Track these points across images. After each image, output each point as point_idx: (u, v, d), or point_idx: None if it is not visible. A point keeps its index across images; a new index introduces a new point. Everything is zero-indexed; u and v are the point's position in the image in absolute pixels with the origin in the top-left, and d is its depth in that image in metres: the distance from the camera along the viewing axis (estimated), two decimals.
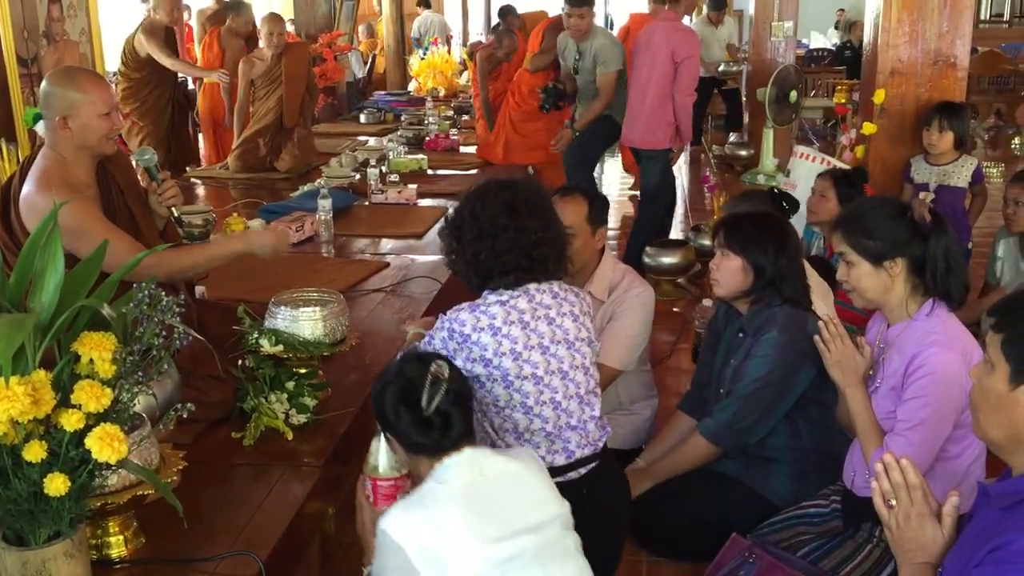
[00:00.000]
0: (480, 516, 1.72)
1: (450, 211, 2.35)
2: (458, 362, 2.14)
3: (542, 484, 1.86)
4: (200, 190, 5.45)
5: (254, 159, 5.71)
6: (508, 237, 2.19)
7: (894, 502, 1.64)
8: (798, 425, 2.70)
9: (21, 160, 4.07)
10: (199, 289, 3.17)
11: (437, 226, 4.53)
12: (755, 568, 2.41)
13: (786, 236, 2.74)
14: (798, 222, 4.55)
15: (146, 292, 1.66)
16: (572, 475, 2.26)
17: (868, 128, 4.47)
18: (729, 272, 2.70)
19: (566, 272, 2.39)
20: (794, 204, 3.59)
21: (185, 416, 1.74)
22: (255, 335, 2.54)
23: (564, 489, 2.15)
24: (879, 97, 4.40)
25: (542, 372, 2.20)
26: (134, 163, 2.95)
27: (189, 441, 2.34)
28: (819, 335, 2.36)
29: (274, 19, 5.75)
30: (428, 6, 12.63)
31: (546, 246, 2.23)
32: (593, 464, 2.30)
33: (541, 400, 2.21)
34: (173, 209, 2.69)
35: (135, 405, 1.69)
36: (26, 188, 2.44)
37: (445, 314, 2.25)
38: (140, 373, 1.63)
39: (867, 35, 4.70)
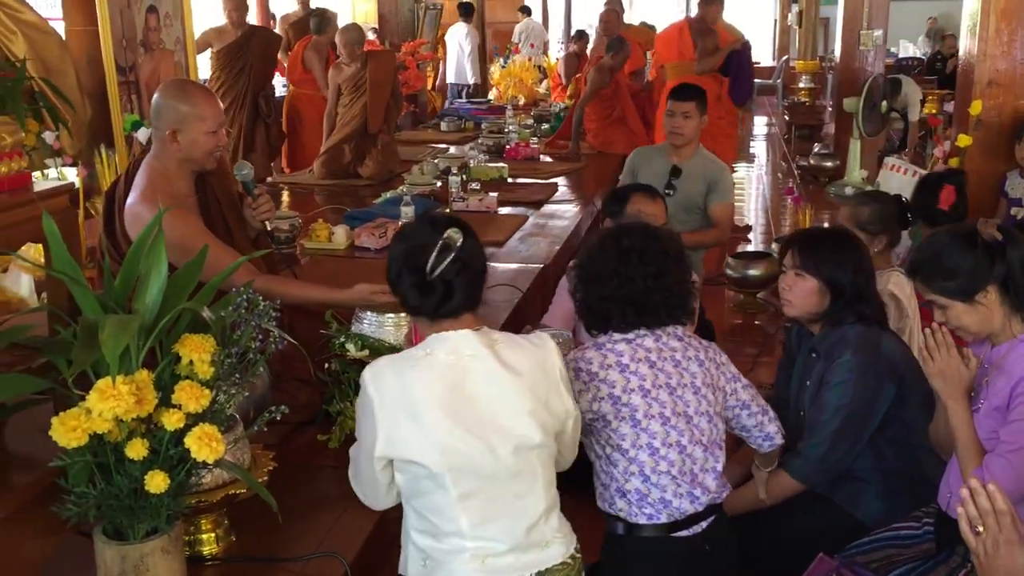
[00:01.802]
0: (447, 397, 1.74)
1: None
2: (583, 403, 2.08)
3: (527, 389, 1.81)
4: (285, 196, 5.57)
5: (338, 165, 5.82)
6: (614, 284, 2.18)
7: (981, 528, 1.59)
8: (881, 446, 2.62)
9: (118, 165, 4.22)
10: None
11: (518, 234, 4.56)
12: None
13: (863, 254, 2.64)
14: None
15: (244, 296, 1.70)
16: (696, 529, 2.18)
17: (963, 140, 4.34)
18: (804, 293, 2.60)
19: (692, 322, 2.36)
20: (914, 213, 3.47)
21: (278, 418, 1.77)
22: (341, 339, 2.58)
23: (686, 544, 2.16)
24: (975, 108, 4.27)
25: (669, 413, 2.15)
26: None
27: (276, 442, 2.39)
28: (925, 342, 2.22)
29: (347, 31, 5.89)
30: (529, 13, 12.70)
31: (658, 294, 2.18)
32: (713, 518, 2.22)
33: (668, 442, 2.14)
34: (266, 222, 2.76)
35: (231, 407, 1.73)
36: (130, 199, 2.51)
37: (569, 354, 2.20)
38: (237, 375, 1.67)
39: (963, 45, 4.57)
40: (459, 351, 1.78)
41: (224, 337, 1.68)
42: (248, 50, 6.41)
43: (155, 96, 2.62)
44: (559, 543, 1.87)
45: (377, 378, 1.76)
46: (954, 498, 2.30)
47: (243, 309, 1.69)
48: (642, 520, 2.16)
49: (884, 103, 5.45)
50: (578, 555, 1.92)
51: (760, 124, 12.85)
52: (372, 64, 5.77)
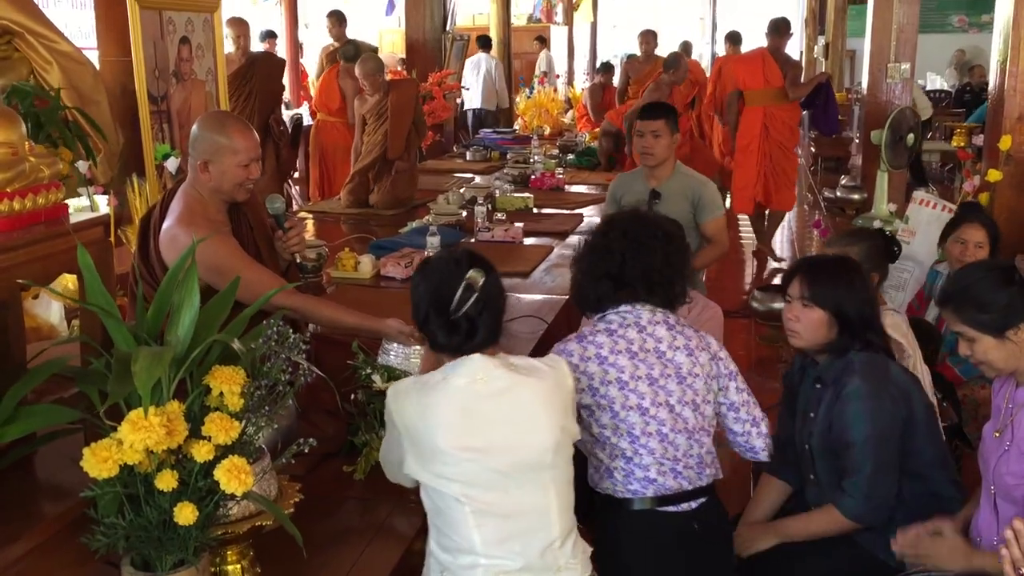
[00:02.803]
0: (464, 419, 1.84)
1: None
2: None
3: (541, 410, 1.91)
4: (311, 224, 5.61)
5: (364, 193, 5.88)
6: (593, 259, 2.34)
7: None
8: (899, 482, 2.57)
9: (149, 194, 4.28)
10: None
11: (543, 265, 4.56)
12: None
13: (865, 281, 2.63)
14: (918, 267, 4.42)
15: (274, 329, 1.71)
16: (684, 506, 2.27)
17: (993, 175, 4.31)
18: (812, 324, 2.55)
19: (682, 302, 2.44)
20: (900, 247, 3.46)
21: (306, 451, 1.78)
22: (368, 370, 2.59)
23: (674, 519, 2.26)
24: (1005, 143, 4.25)
25: (648, 404, 2.24)
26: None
27: (302, 473, 2.38)
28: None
29: (365, 62, 5.96)
30: (544, 43, 12.89)
31: (636, 268, 2.31)
32: (703, 499, 2.31)
33: (647, 431, 2.23)
34: (297, 256, 2.80)
35: (259, 439, 1.74)
36: (167, 223, 2.56)
37: (551, 351, 2.28)
38: (266, 407, 1.68)
39: (992, 79, 4.55)
40: (473, 375, 1.87)
41: (254, 369, 1.69)
42: (253, 75, 6.55)
43: (194, 126, 2.67)
44: (573, 570, 1.91)
45: (397, 401, 1.90)
46: (983, 541, 2.26)
47: (273, 341, 1.70)
48: (628, 495, 2.25)
49: (911, 135, 5.42)
50: None
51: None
52: (394, 93, 5.84)
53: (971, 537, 2.35)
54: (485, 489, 1.84)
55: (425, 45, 8.76)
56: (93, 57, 4.60)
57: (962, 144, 5.64)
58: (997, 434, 2.26)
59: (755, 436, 2.43)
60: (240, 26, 6.66)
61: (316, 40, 11.11)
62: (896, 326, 2.99)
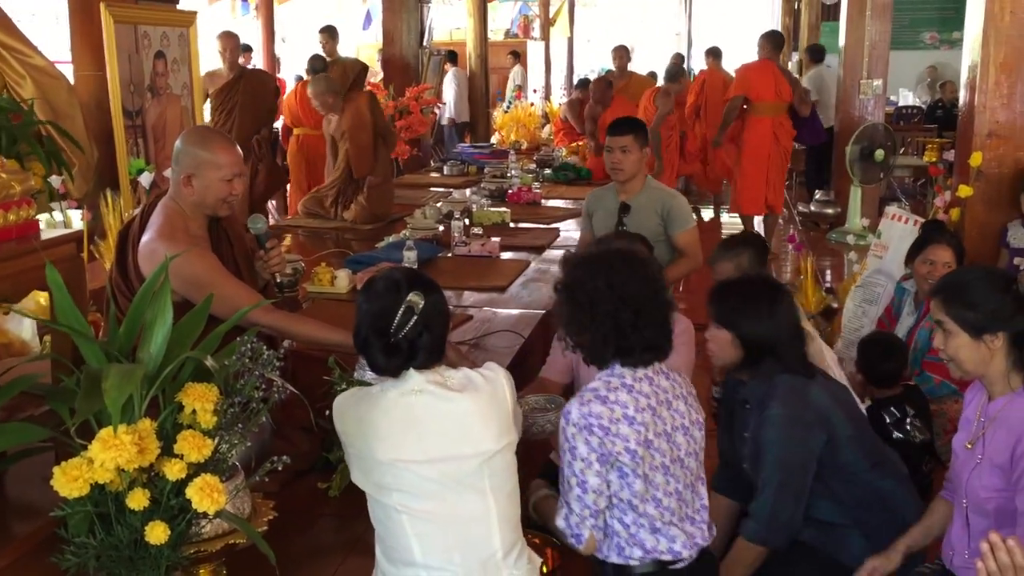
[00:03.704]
0: (400, 431, 1.87)
1: (560, 277, 2.27)
2: (610, 457, 2.05)
3: (477, 421, 1.93)
4: (288, 239, 5.59)
5: (320, 209, 5.91)
6: (650, 311, 2.11)
7: None
8: (836, 490, 2.56)
9: (123, 209, 4.25)
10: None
11: (520, 280, 4.57)
12: None
13: (776, 303, 2.60)
14: (888, 280, 4.46)
15: (248, 345, 1.70)
16: (681, 565, 2.16)
17: (964, 191, 4.37)
18: (720, 344, 2.58)
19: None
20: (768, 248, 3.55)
21: (280, 469, 1.77)
22: (343, 386, 2.57)
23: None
24: (976, 160, 4.30)
25: (668, 461, 2.11)
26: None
27: (276, 490, 2.37)
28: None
29: (312, 84, 5.98)
30: (518, 58, 13.00)
31: (670, 321, 2.19)
32: (702, 549, 2.21)
33: (668, 491, 2.11)
34: (276, 275, 2.80)
35: (232, 456, 1.73)
36: (147, 236, 2.55)
37: (569, 415, 2.08)
38: (239, 425, 1.67)
39: (963, 96, 4.61)
40: (409, 388, 1.90)
41: (227, 386, 1.68)
42: (238, 91, 6.51)
43: (178, 140, 2.68)
44: None
45: (339, 414, 1.94)
46: (956, 555, 2.28)
47: (247, 358, 1.69)
48: (635, 560, 2.13)
49: (879, 151, 5.48)
50: None
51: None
52: (347, 111, 5.83)
53: (944, 552, 2.38)
54: (423, 499, 1.87)
55: (402, 60, 8.78)
56: (68, 72, 4.58)
57: (934, 160, 5.72)
58: (969, 446, 2.28)
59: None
60: (227, 40, 6.64)
61: (293, 54, 11.12)
62: (820, 353, 3.05)
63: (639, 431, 2.06)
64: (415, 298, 1.90)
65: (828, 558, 2.58)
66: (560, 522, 2.11)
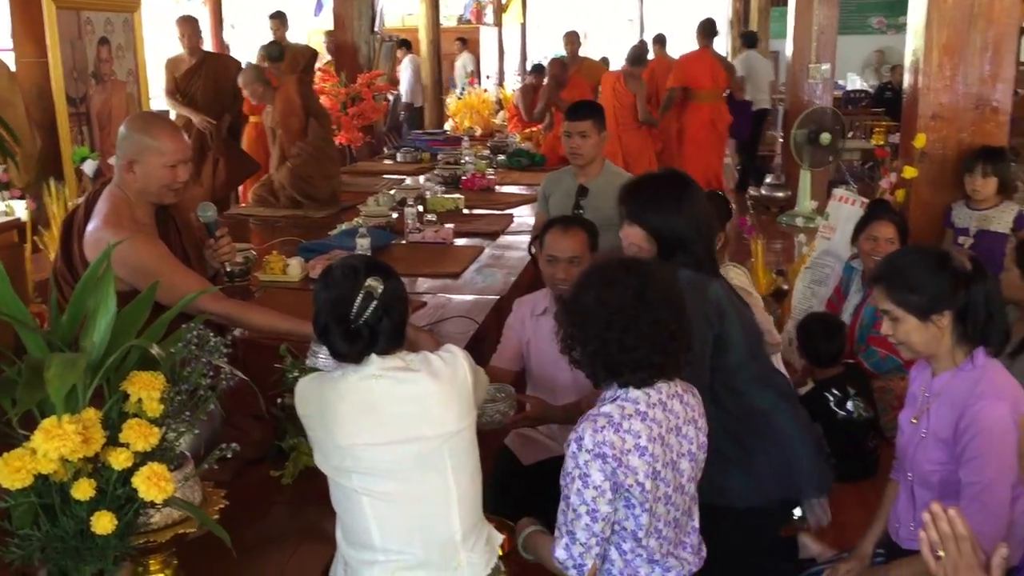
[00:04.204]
0: (361, 415, 1.88)
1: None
2: (622, 487, 1.98)
3: (436, 403, 1.94)
4: (240, 228, 5.52)
5: (271, 196, 5.86)
6: (640, 330, 1.99)
7: (942, 553, 1.61)
8: (716, 392, 2.53)
9: (68, 198, 4.17)
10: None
11: (474, 266, 4.56)
12: None
13: (685, 196, 2.59)
14: (835, 260, 4.54)
15: (194, 332, 1.68)
16: None
17: (909, 172, 4.44)
18: (634, 241, 2.60)
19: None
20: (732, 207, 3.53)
21: (229, 456, 1.75)
22: (296, 373, 2.55)
23: None
24: (920, 141, 4.38)
25: (672, 490, 2.05)
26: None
27: (228, 479, 2.34)
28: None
29: (242, 74, 5.90)
30: (466, 44, 12.97)
31: (678, 340, 2.04)
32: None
33: (668, 520, 2.07)
34: (226, 264, 2.77)
35: (180, 444, 1.71)
36: (92, 224, 2.51)
37: (582, 440, 1.98)
38: (187, 413, 1.65)
39: (907, 79, 4.69)
40: (369, 372, 1.91)
41: (174, 374, 1.66)
42: (199, 77, 6.40)
43: (122, 126, 2.63)
44: (474, 566, 1.96)
45: (300, 398, 1.97)
46: (902, 528, 2.33)
47: (193, 345, 1.67)
48: None
49: (825, 135, 5.55)
50: None
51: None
52: (278, 99, 5.77)
53: (891, 525, 2.43)
54: (383, 480, 1.89)
55: (354, 46, 8.69)
56: (9, 59, 4.48)
57: (881, 143, 5.81)
58: (914, 421, 2.33)
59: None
60: (185, 25, 6.54)
61: (243, 41, 10.95)
62: (738, 277, 3.08)
63: (648, 462, 1.98)
64: (374, 283, 1.90)
65: (709, 507, 2.42)
66: (560, 552, 2.00)
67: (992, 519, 2.08)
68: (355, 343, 1.90)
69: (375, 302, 1.88)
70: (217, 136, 6.53)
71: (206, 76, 6.46)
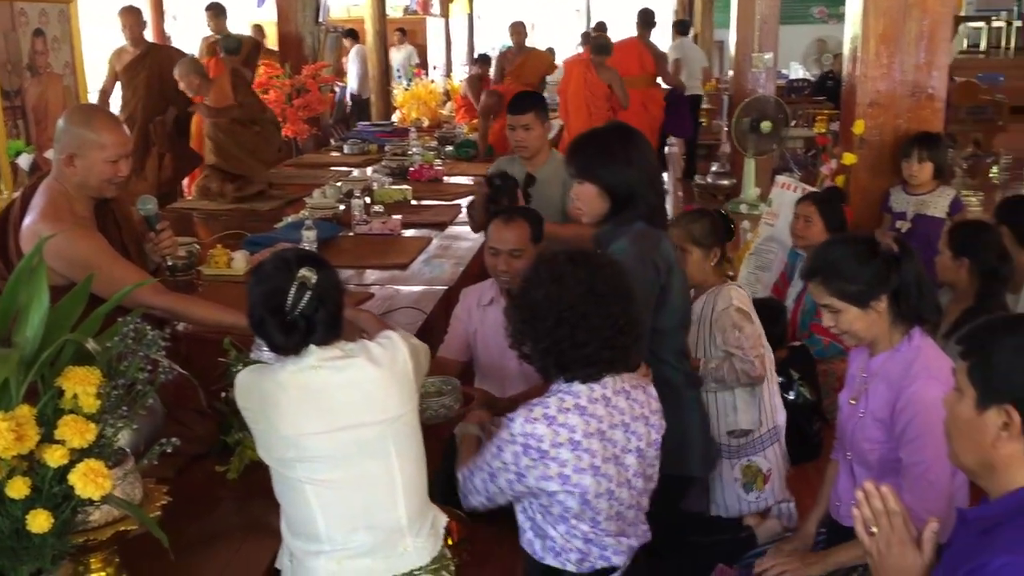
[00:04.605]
0: (302, 404, 1.87)
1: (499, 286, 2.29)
2: (530, 479, 2.02)
3: (377, 389, 1.94)
4: (184, 221, 5.43)
5: (216, 189, 5.80)
6: (591, 326, 1.99)
7: (875, 529, 1.65)
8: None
9: (4, 192, 4.07)
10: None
11: (422, 256, 4.55)
12: None
13: (630, 149, 2.60)
14: (780, 248, 4.61)
15: (131, 326, 1.66)
16: (618, 574, 2.15)
17: (848, 158, 4.53)
18: (587, 199, 2.60)
19: (642, 356, 2.25)
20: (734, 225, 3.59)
21: (170, 451, 1.73)
22: (239, 368, 2.53)
23: None
24: (858, 128, 4.46)
25: (614, 485, 2.05)
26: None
27: (171, 475, 2.33)
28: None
29: (178, 67, 5.80)
30: (405, 34, 12.94)
31: (628, 334, 2.05)
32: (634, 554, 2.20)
33: (610, 514, 2.08)
34: (167, 258, 2.74)
35: (119, 440, 1.68)
36: (29, 218, 2.46)
37: (512, 422, 2.03)
38: (124, 408, 1.63)
39: (845, 68, 4.77)
40: (308, 362, 1.90)
41: (110, 369, 1.63)
42: (142, 69, 6.28)
43: (60, 119, 2.58)
44: (421, 551, 1.96)
45: (241, 389, 1.94)
46: (843, 506, 2.38)
47: (130, 339, 1.65)
48: (572, 566, 2.11)
49: (768, 123, 5.63)
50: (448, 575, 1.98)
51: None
52: (212, 92, 5.71)
53: (832, 504, 2.48)
54: (327, 469, 1.88)
55: (298, 37, 8.60)
56: None
57: (823, 130, 5.90)
58: (853, 401, 2.37)
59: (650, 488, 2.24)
60: (127, 15, 6.41)
61: (186, 33, 10.77)
62: (740, 298, 3.12)
63: (581, 457, 2.00)
64: (307, 273, 1.89)
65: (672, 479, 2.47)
66: (459, 475, 2.15)
67: (936, 496, 2.13)
68: (292, 335, 1.89)
69: (309, 292, 1.87)
70: (162, 130, 6.41)
71: (150, 68, 6.33)
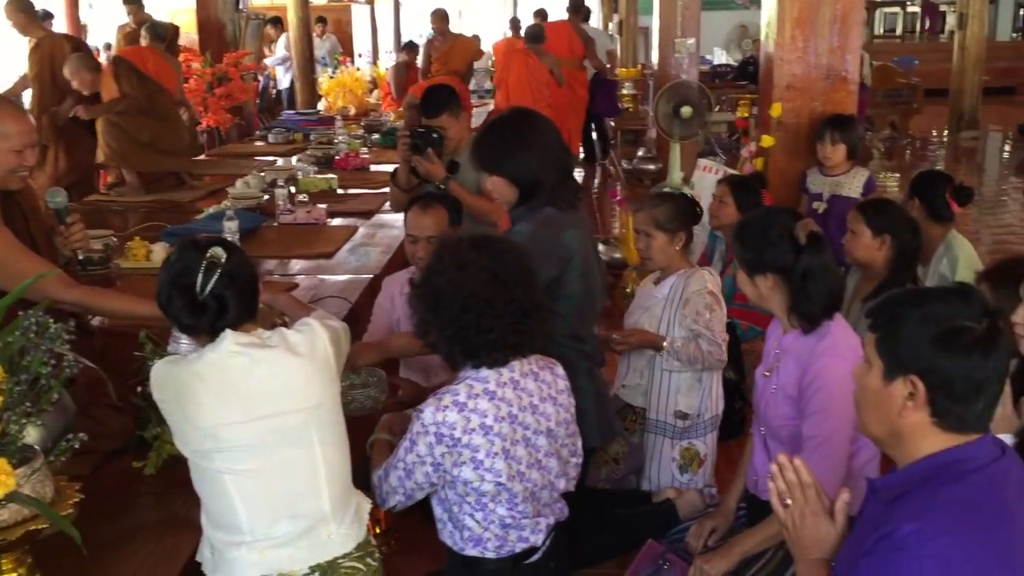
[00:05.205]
0: (221, 395, 1.85)
1: (414, 276, 2.23)
2: (446, 468, 2.03)
3: (296, 378, 1.92)
4: (101, 214, 5.29)
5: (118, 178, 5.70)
6: (495, 311, 2.00)
7: (789, 501, 1.69)
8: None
9: None
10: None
11: (348, 245, 4.51)
12: (671, 573, 2.45)
13: (527, 134, 2.62)
14: (701, 229, 4.68)
15: (33, 320, 1.61)
16: (536, 556, 2.17)
17: (766, 141, 4.61)
18: (497, 189, 2.64)
19: (547, 340, 2.24)
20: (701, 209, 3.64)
21: (77, 447, 1.70)
22: (156, 361, 2.48)
23: (535, 567, 2.15)
24: (776, 111, 4.54)
25: (524, 467, 2.06)
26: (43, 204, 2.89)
27: (87, 472, 2.29)
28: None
29: (68, 63, 5.80)
30: (325, 23, 12.78)
31: (532, 317, 2.06)
32: (553, 534, 2.22)
33: (524, 495, 2.08)
34: (78, 253, 2.66)
35: (24, 437, 1.64)
36: None
37: (422, 413, 2.03)
38: (28, 404, 1.59)
39: (762, 51, 4.85)
40: (226, 350, 1.87)
41: (12, 363, 1.59)
42: (35, 62, 6.10)
43: None
44: (345, 538, 1.95)
45: (156, 381, 1.91)
46: (760, 480, 2.44)
47: (32, 333, 1.60)
48: (491, 551, 2.13)
49: (688, 108, 5.71)
50: (373, 563, 1.98)
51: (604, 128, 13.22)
52: (103, 87, 5.59)
53: (749, 479, 2.54)
54: (247, 459, 1.86)
55: (218, 24, 8.43)
56: None
57: (746, 114, 5.98)
58: (767, 374, 2.43)
59: (571, 466, 2.27)
60: (7, 7, 6.19)
61: (103, 21, 10.50)
62: (715, 283, 3.17)
63: (493, 442, 2.02)
64: (216, 251, 1.88)
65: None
66: (375, 478, 2.14)
67: (831, 469, 2.20)
68: (202, 315, 1.87)
69: (219, 271, 1.85)
70: (50, 121, 6.17)
71: (40, 61, 6.13)
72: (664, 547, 2.57)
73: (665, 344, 3.09)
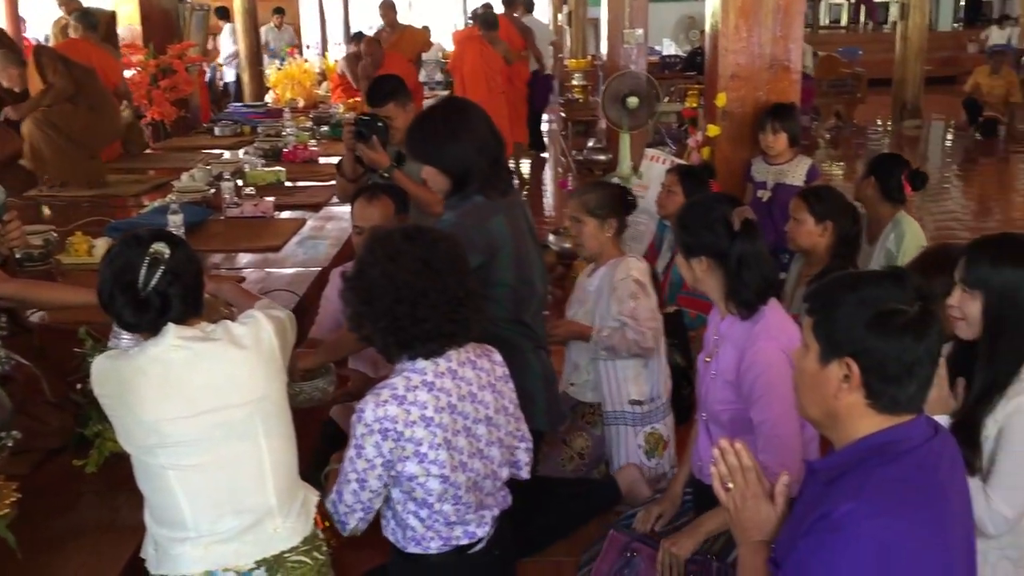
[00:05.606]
0: (164, 389, 1.82)
1: (348, 269, 2.13)
2: (396, 466, 2.00)
3: (241, 371, 1.90)
4: (46, 210, 5.18)
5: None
6: (429, 301, 1.99)
7: (731, 485, 1.72)
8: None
9: None
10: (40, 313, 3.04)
11: (296, 238, 4.47)
12: (640, 562, 2.45)
13: (454, 124, 2.63)
14: (650, 219, 4.72)
15: None
16: (480, 547, 2.16)
17: (712, 130, 4.65)
18: (431, 179, 2.67)
19: (481, 327, 2.19)
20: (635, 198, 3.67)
21: (11, 444, 1.66)
22: (96, 356, 2.44)
23: (480, 557, 2.13)
24: (721, 101, 4.58)
25: (466, 457, 2.05)
26: None
27: (26, 472, 2.25)
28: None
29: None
30: (283, 14, 12.61)
31: (466, 306, 2.05)
32: (497, 524, 2.21)
33: (468, 486, 2.06)
34: (15, 250, 2.61)
35: None
36: None
37: (363, 413, 1.99)
38: None
39: (708, 41, 4.89)
40: (168, 344, 1.84)
41: None
42: None
43: None
44: (291, 532, 1.94)
45: (97, 376, 1.87)
46: (704, 465, 2.47)
47: None
48: (434, 549, 2.12)
49: (634, 99, 5.74)
50: (321, 557, 1.98)
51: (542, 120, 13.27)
52: (31, 80, 5.49)
53: (693, 464, 2.57)
54: (191, 453, 1.84)
55: (162, 15, 8.28)
56: None
57: (694, 104, 6.02)
58: (708, 359, 2.46)
59: (522, 452, 2.28)
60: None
61: (40, 13, 10.26)
62: (641, 271, 3.19)
63: (435, 433, 1.99)
64: (159, 247, 1.84)
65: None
66: (328, 504, 2.08)
67: (786, 451, 2.23)
68: (145, 312, 1.84)
69: (163, 267, 1.82)
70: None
71: None
72: (628, 537, 2.57)
73: (593, 334, 3.11)
